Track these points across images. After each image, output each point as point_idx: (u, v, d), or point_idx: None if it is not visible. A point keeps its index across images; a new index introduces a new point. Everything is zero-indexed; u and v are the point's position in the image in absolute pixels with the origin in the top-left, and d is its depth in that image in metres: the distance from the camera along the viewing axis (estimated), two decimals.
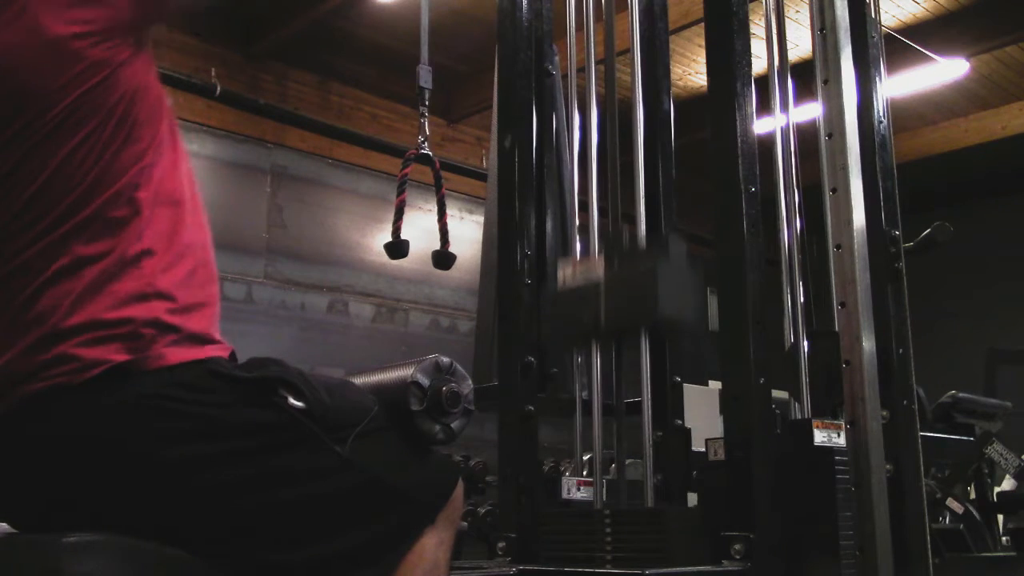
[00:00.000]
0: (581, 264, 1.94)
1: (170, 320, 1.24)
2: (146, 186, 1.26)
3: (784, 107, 2.21)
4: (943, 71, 7.17)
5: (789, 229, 2.12)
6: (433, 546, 1.33)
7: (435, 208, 2.72)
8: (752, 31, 2.00)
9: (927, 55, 6.87)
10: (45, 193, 1.22)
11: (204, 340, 1.28)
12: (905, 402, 1.90)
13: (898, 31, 6.73)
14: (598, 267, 1.88)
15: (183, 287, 1.27)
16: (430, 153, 2.75)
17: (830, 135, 1.83)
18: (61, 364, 1.18)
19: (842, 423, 1.80)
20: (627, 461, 2.14)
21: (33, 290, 1.21)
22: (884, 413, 1.79)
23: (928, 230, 2.31)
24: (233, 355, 1.33)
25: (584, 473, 2.17)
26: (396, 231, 2.67)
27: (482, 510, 3.24)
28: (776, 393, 1.84)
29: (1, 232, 1.24)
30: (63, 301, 1.20)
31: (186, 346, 1.24)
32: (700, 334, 1.89)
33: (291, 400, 1.24)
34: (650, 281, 1.77)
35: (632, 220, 2.13)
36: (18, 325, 1.21)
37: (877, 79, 2.06)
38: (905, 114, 7.98)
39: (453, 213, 3.55)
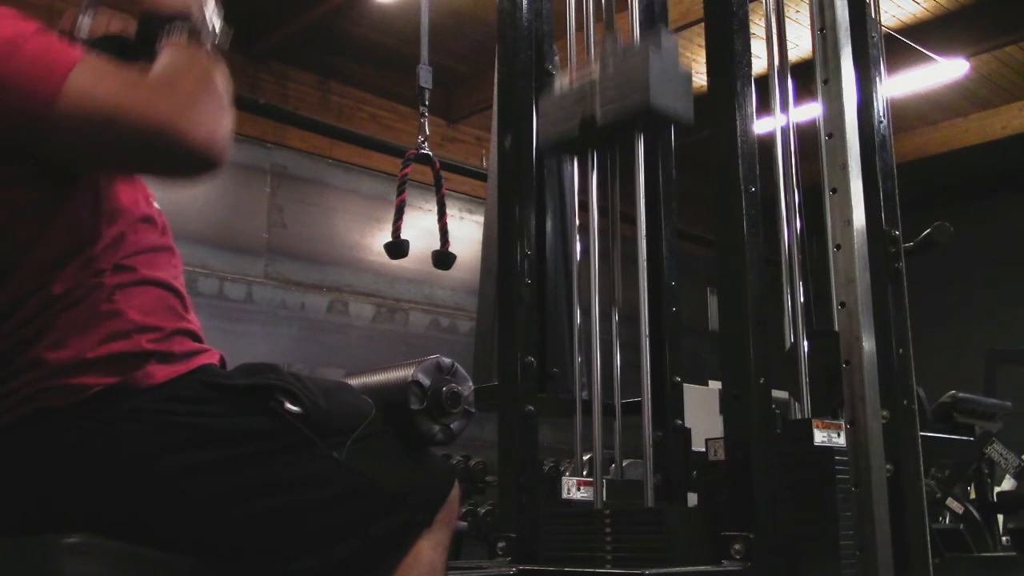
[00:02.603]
0: (577, 72, 2.00)
1: (155, 348, 1.23)
2: (106, 225, 1.25)
3: (784, 107, 2.21)
4: (943, 71, 7.17)
5: (789, 229, 2.12)
6: (429, 549, 1.33)
7: (435, 208, 2.72)
8: (752, 31, 2.00)
9: (927, 55, 6.87)
10: (10, 238, 1.21)
11: (191, 354, 1.28)
12: (905, 402, 1.90)
13: (898, 31, 6.73)
14: (594, 70, 1.93)
15: (162, 316, 1.27)
16: (430, 153, 2.75)
17: (830, 135, 1.83)
18: (54, 390, 1.19)
19: (842, 423, 1.80)
20: (627, 461, 2.14)
21: (18, 333, 1.20)
22: (884, 413, 1.78)
23: (928, 230, 2.31)
24: (223, 360, 1.33)
25: (584, 473, 2.16)
26: (396, 231, 2.67)
27: (482, 510, 3.25)
28: (776, 393, 1.84)
29: None
30: (45, 343, 1.19)
31: (174, 363, 1.24)
32: (688, 124, 1.93)
33: (287, 405, 1.23)
34: (642, 69, 1.82)
35: (632, 220, 2.12)
36: (7, 364, 1.21)
37: (877, 79, 2.05)
38: (905, 114, 7.99)
39: (453, 213, 3.55)
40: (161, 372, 1.22)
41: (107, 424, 1.18)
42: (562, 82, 2.03)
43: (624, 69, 1.87)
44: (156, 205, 1.38)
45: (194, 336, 1.31)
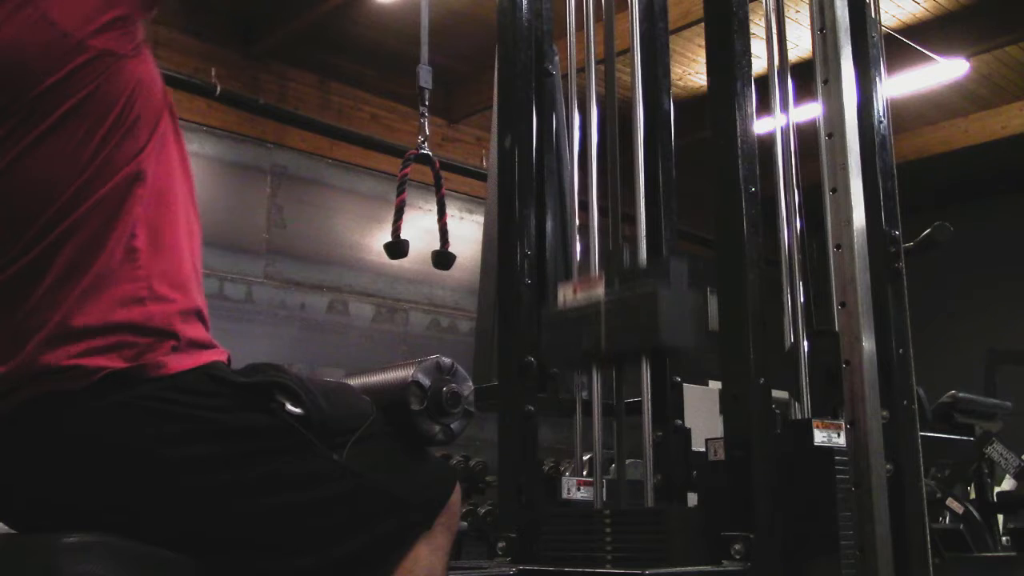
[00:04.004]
0: (581, 285, 1.94)
1: (168, 326, 1.23)
2: (142, 184, 1.25)
3: (784, 107, 2.21)
4: (943, 71, 7.17)
5: (789, 229, 2.12)
6: (427, 552, 1.33)
7: (435, 208, 2.72)
8: (752, 31, 2.00)
9: (927, 55, 6.88)
10: (41, 191, 1.22)
11: (203, 345, 1.28)
12: (905, 402, 1.90)
13: (898, 31, 6.73)
14: (598, 287, 1.88)
15: (179, 290, 1.27)
16: (430, 153, 2.75)
17: (830, 135, 1.83)
18: (61, 372, 1.18)
19: (842, 423, 1.80)
20: (627, 461, 2.14)
21: (34, 297, 1.21)
22: (884, 413, 1.78)
23: (928, 230, 2.31)
24: (229, 359, 1.33)
25: (584, 473, 2.16)
26: (396, 231, 2.67)
27: (482, 510, 3.24)
28: (776, 393, 1.84)
29: (3, 235, 1.23)
30: (61, 307, 1.19)
31: (186, 353, 1.24)
32: (701, 355, 1.86)
33: (288, 406, 1.24)
34: (651, 307, 1.76)
35: (632, 220, 2.12)
36: (20, 332, 1.21)
37: (877, 79, 2.05)
38: (905, 114, 7.99)
39: (453, 213, 3.55)
40: (171, 362, 1.22)
41: (110, 413, 1.18)
42: (566, 293, 1.95)
43: (632, 302, 1.81)
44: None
45: (203, 322, 1.31)
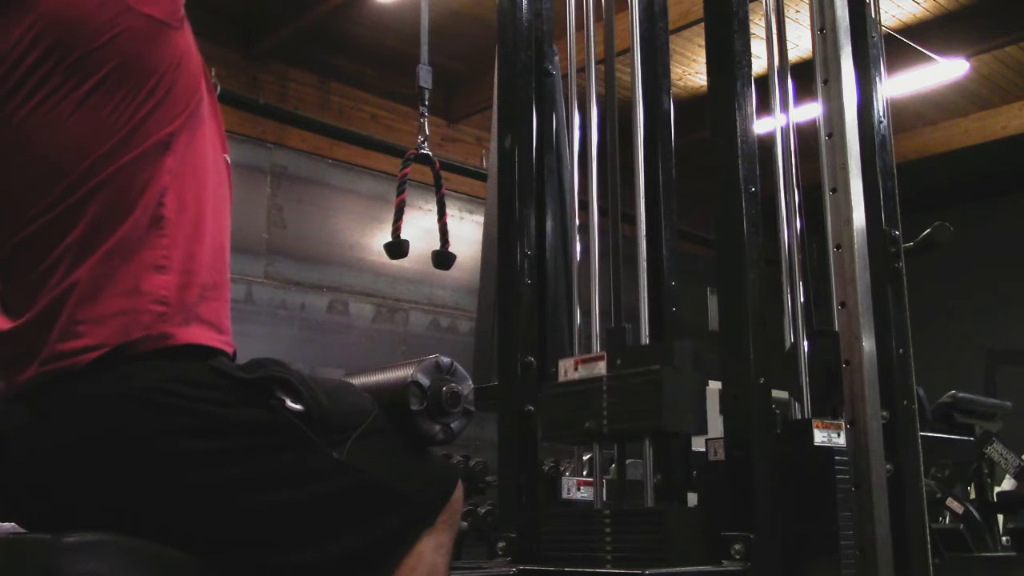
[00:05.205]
0: (583, 362, 1.93)
1: (184, 298, 1.23)
2: (172, 154, 1.26)
3: (784, 107, 2.21)
4: (943, 71, 7.17)
5: (789, 229, 2.12)
6: (431, 550, 1.33)
7: (435, 208, 2.72)
8: (752, 31, 2.00)
9: (927, 55, 6.88)
10: (71, 151, 1.22)
11: (215, 327, 1.28)
12: (905, 402, 1.90)
13: (898, 31, 6.74)
14: (600, 365, 1.87)
15: (200, 264, 1.28)
16: (430, 153, 2.75)
17: (830, 135, 1.83)
18: (65, 340, 1.18)
19: (842, 423, 1.80)
20: (627, 461, 2.14)
21: (54, 255, 1.21)
22: (884, 413, 1.78)
23: (928, 230, 2.31)
24: (234, 354, 1.33)
25: (584, 473, 2.16)
26: (396, 231, 2.67)
27: (482, 510, 3.24)
28: (776, 393, 1.84)
29: (26, 192, 1.23)
30: (81, 267, 1.19)
31: (195, 327, 1.24)
32: (702, 434, 1.85)
33: (289, 403, 1.24)
34: (655, 394, 1.75)
35: (632, 220, 2.13)
36: (37, 288, 1.21)
37: (877, 79, 2.05)
38: (905, 114, 7.99)
39: (453, 213, 3.54)
40: (180, 334, 1.22)
41: (113, 405, 1.17)
42: (566, 367, 1.94)
43: (635, 386, 1.80)
44: (227, 158, 1.39)
45: (221, 300, 1.31)
